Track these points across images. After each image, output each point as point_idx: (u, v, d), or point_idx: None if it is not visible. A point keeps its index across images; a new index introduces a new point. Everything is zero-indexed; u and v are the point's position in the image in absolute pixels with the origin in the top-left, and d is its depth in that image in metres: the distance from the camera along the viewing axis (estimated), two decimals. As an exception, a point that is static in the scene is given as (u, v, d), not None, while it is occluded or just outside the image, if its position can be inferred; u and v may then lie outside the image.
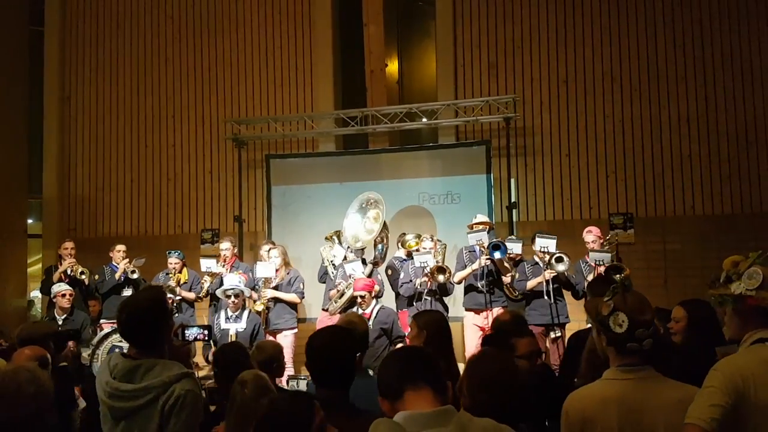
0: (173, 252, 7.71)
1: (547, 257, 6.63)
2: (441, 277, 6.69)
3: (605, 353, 2.33)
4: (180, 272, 7.65)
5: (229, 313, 6.32)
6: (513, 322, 3.72)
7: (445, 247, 7.31)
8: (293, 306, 7.18)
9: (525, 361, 3.38)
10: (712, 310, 3.46)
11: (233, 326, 6.20)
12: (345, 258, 7.29)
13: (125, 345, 2.57)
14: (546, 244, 6.75)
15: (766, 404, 2.12)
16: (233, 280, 6.54)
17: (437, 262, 6.84)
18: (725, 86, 8.39)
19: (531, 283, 6.77)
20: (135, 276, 7.59)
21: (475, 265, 6.77)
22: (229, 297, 6.40)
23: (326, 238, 7.68)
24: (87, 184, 10.25)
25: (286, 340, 6.91)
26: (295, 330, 7.11)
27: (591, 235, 6.85)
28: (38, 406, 2.39)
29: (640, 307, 2.23)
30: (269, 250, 7.51)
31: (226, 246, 7.71)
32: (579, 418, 2.24)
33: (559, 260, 6.57)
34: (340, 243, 7.55)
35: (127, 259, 7.75)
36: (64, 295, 6.83)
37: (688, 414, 2.18)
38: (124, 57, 10.26)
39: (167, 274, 7.63)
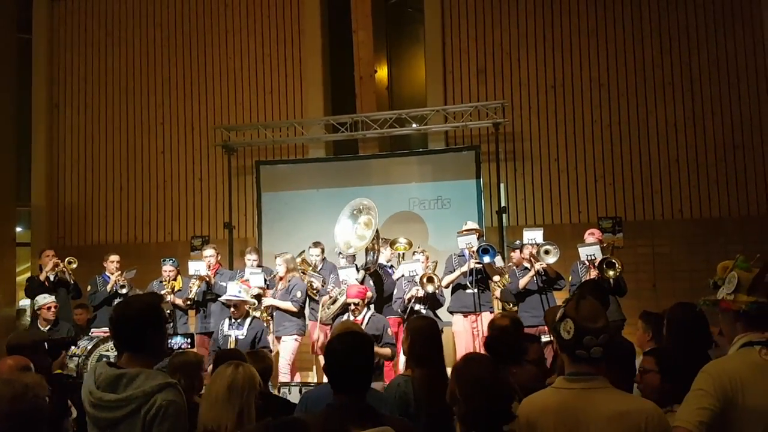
0: (168, 259, 7.69)
1: (535, 249, 6.68)
2: (430, 287, 6.69)
3: (562, 361, 2.32)
4: (174, 280, 7.64)
5: (233, 320, 6.33)
6: (513, 326, 3.72)
7: (436, 264, 7.33)
8: (294, 313, 7.16)
9: (534, 366, 3.40)
10: (695, 312, 3.48)
11: (234, 333, 6.20)
12: (333, 266, 7.31)
13: (112, 354, 2.56)
14: (533, 235, 6.83)
15: (754, 408, 2.12)
16: (234, 290, 6.53)
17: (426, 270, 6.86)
18: (712, 91, 8.46)
19: (523, 281, 6.81)
20: (124, 291, 7.55)
21: (464, 268, 6.79)
22: (229, 306, 6.40)
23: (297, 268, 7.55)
24: (76, 191, 10.21)
25: (284, 346, 6.94)
26: (295, 337, 7.09)
27: (592, 237, 6.90)
28: (13, 425, 2.33)
29: (590, 314, 2.20)
30: (276, 258, 7.48)
31: (209, 253, 7.67)
32: (525, 423, 2.25)
33: (548, 252, 6.64)
34: (312, 267, 7.49)
35: (119, 272, 7.71)
36: (49, 308, 6.86)
37: (676, 417, 2.19)
38: (113, 64, 10.24)
39: (161, 282, 7.62)
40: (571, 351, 2.20)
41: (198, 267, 7.42)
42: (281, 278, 7.24)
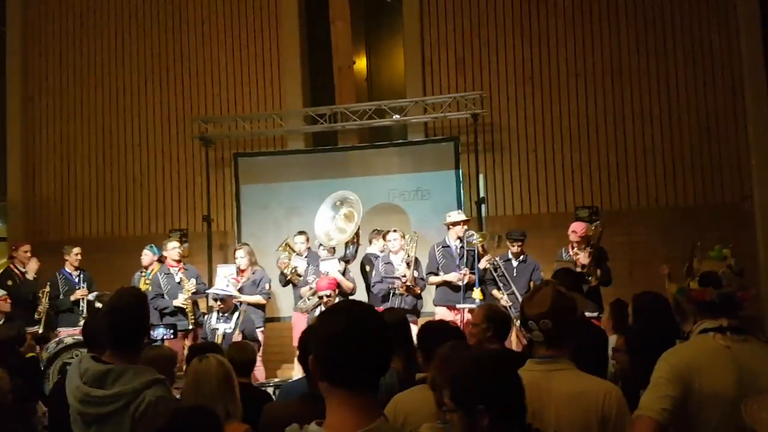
0: (149, 246, 7.74)
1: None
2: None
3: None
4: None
5: (221, 314, 6.31)
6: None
7: (417, 238, 7.25)
8: (260, 306, 7.14)
9: None
10: (658, 300, 3.57)
11: (222, 326, 6.19)
12: (317, 256, 7.30)
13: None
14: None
15: (712, 393, 2.17)
16: (222, 284, 6.52)
17: (408, 256, 6.88)
18: (687, 80, 8.53)
19: (495, 294, 7.05)
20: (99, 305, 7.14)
21: (452, 276, 6.83)
22: (216, 300, 6.39)
23: (279, 249, 7.53)
24: (52, 185, 10.09)
25: None
26: (262, 328, 7.09)
27: (575, 236, 7.00)
28: None
29: (535, 302, 2.33)
30: (236, 250, 7.46)
31: (173, 245, 7.56)
32: None
33: None
34: (297, 253, 7.45)
35: (85, 290, 7.57)
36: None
37: (639, 405, 2.23)
38: (88, 56, 10.10)
39: (142, 273, 7.65)
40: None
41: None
42: (243, 271, 7.22)
